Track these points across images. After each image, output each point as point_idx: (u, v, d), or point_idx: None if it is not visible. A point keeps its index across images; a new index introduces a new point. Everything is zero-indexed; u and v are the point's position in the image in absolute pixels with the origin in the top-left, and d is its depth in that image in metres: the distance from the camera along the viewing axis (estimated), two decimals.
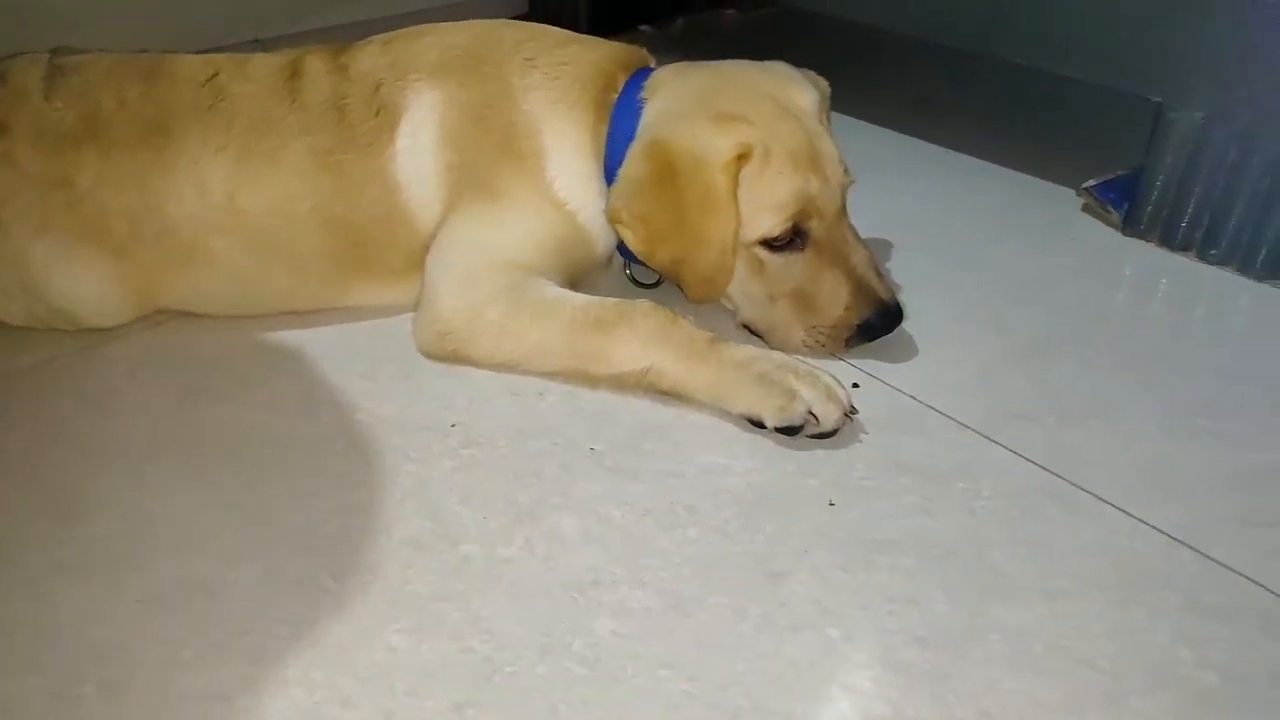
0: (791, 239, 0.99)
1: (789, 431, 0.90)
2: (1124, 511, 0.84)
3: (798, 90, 1.03)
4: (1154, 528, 0.82)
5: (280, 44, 1.14)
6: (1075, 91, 1.28)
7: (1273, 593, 0.76)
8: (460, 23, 1.13)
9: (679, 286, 1.05)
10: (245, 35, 1.74)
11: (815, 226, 0.99)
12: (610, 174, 1.03)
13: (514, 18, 2.10)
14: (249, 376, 1.02)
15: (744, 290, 1.03)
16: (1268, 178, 1.12)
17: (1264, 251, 1.16)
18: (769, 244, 0.99)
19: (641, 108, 1.03)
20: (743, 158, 0.95)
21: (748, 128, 0.96)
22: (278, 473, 0.89)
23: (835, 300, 1.00)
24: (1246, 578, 0.77)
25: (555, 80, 1.06)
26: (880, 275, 1.02)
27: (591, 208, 1.06)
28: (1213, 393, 0.99)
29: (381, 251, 1.08)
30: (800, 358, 0.96)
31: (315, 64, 1.09)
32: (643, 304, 0.98)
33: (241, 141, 1.04)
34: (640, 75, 1.07)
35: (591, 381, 0.99)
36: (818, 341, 1.02)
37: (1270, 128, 1.10)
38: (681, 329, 0.96)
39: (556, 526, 0.83)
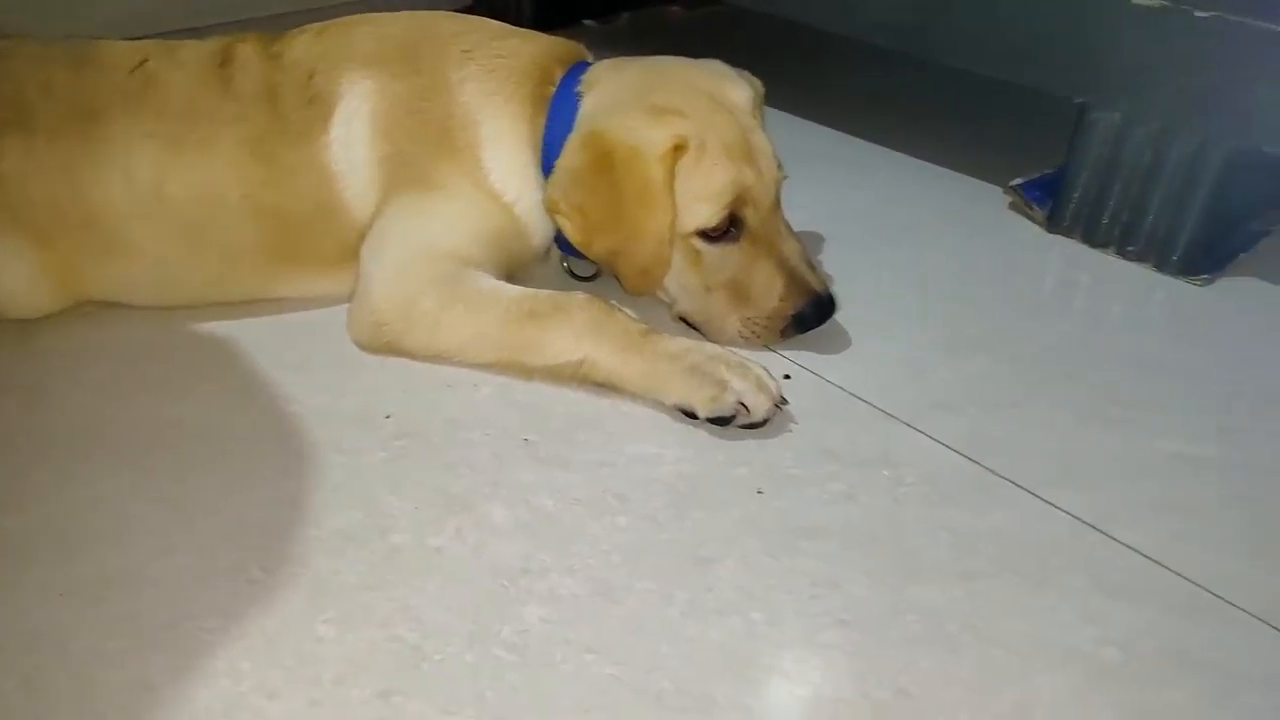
0: (727, 230, 1.01)
1: (720, 422, 0.92)
2: (1038, 496, 0.87)
3: (731, 86, 1.05)
4: (1066, 512, 0.86)
5: (215, 33, 1.13)
6: (1005, 93, 1.31)
7: (1173, 572, 0.80)
8: (397, 13, 1.13)
9: (616, 278, 1.06)
10: (179, 24, 1.71)
11: (750, 217, 1.01)
12: (548, 166, 1.04)
13: (457, 10, 2.11)
14: (180, 368, 1.01)
15: (680, 282, 1.05)
16: (1180, 177, 1.17)
17: (1178, 248, 1.21)
18: (705, 235, 1.00)
19: (579, 101, 1.04)
20: (678, 149, 0.97)
21: (683, 121, 0.98)
22: (208, 464, 0.88)
23: (770, 291, 1.02)
24: (1149, 559, 0.81)
25: (492, 73, 1.07)
26: (813, 267, 1.05)
27: (528, 199, 1.07)
28: (1126, 383, 1.03)
29: (315, 242, 1.07)
30: (733, 349, 0.98)
31: (247, 52, 1.08)
32: (578, 296, 0.99)
33: (171, 129, 1.03)
34: (577, 70, 1.08)
35: (526, 373, 0.99)
36: (753, 332, 1.04)
37: (1183, 130, 1.15)
38: (616, 321, 0.98)
39: (487, 516, 0.83)
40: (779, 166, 1.03)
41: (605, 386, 0.97)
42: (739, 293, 1.02)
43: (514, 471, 0.88)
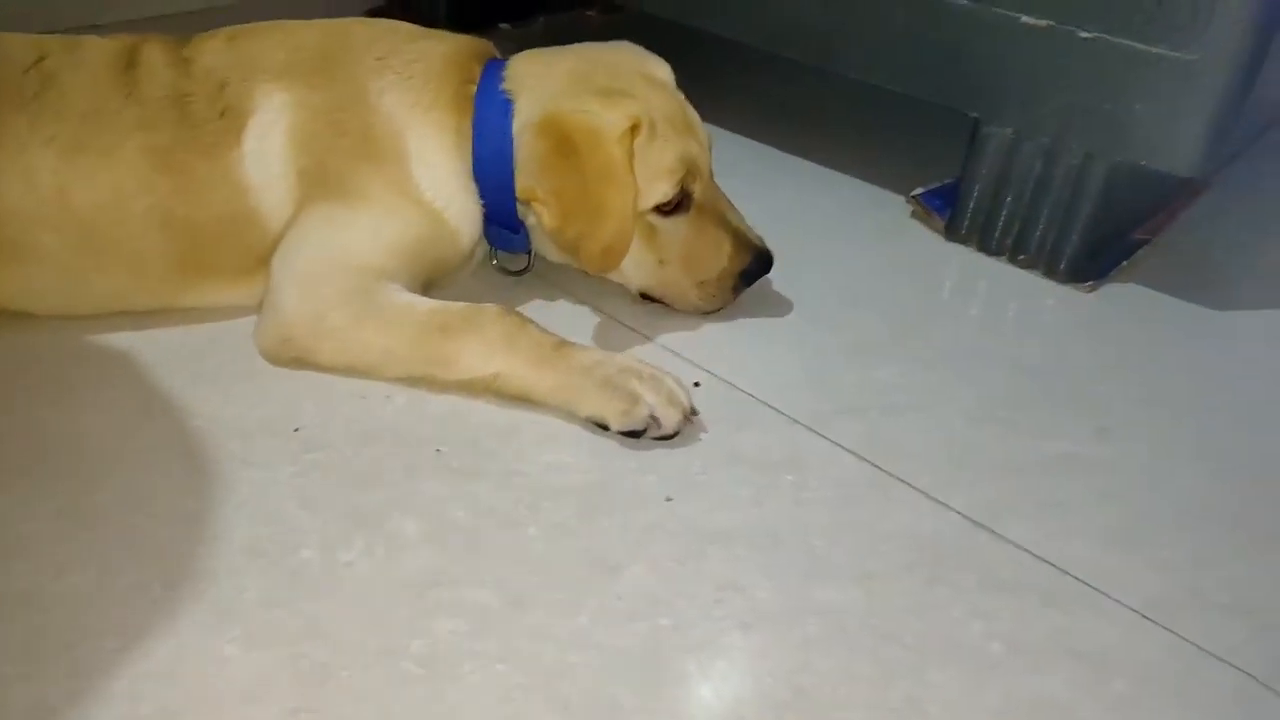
0: (679, 202, 1.06)
1: (633, 435, 0.94)
2: (932, 497, 0.92)
3: (655, 65, 1.13)
4: (958, 511, 0.90)
5: (119, 30, 1.10)
6: (910, 104, 1.36)
7: (1054, 566, 0.85)
8: (309, 21, 1.12)
9: (576, 261, 1.08)
10: (82, 20, 1.65)
11: (696, 188, 1.08)
12: (480, 168, 1.06)
13: (370, 12, 2.08)
14: (83, 379, 0.99)
15: (635, 259, 1.08)
16: (1067, 190, 1.24)
17: (1066, 256, 1.28)
18: (660, 209, 1.06)
19: (508, 97, 1.06)
20: (635, 129, 1.01)
21: (632, 101, 1.03)
22: (110, 479, 0.87)
23: (719, 253, 1.09)
24: (1033, 554, 0.86)
25: (410, 80, 1.07)
26: (749, 226, 1.12)
27: (458, 205, 1.07)
28: (1016, 386, 1.08)
29: (226, 253, 1.05)
30: (643, 360, 0.99)
31: (154, 54, 1.05)
32: (490, 309, 1.00)
33: (72, 133, 1.00)
34: (494, 66, 1.10)
35: (439, 387, 1.00)
36: (710, 295, 1.11)
37: (1069, 145, 1.21)
38: (529, 334, 0.99)
39: (398, 529, 0.84)
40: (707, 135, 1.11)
41: (518, 400, 0.98)
42: (692, 260, 1.09)
43: (425, 483, 0.89)
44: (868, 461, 0.95)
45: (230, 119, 1.02)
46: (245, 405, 0.96)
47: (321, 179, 1.03)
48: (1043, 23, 1.16)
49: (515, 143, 1.04)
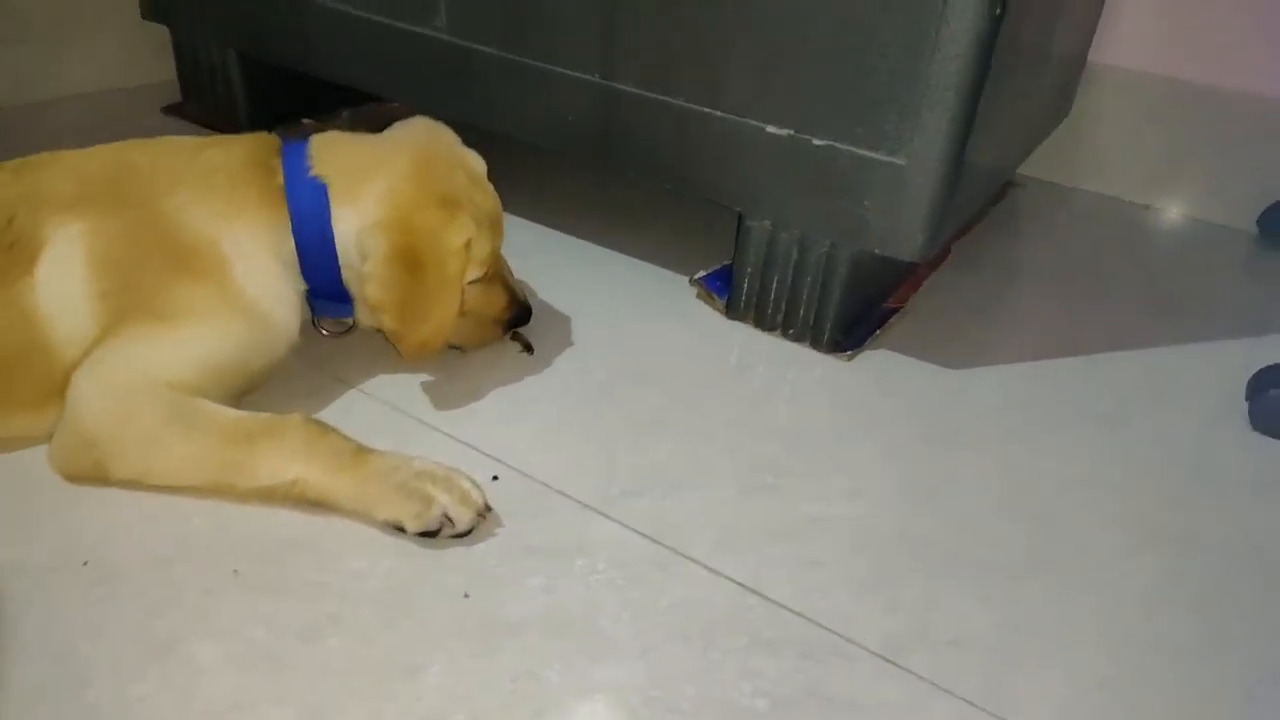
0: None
1: (428, 534, 1.00)
2: (707, 567, 1.02)
3: (468, 154, 1.25)
4: (729, 579, 1.01)
5: None
6: (691, 196, 1.50)
7: (811, 621, 0.97)
8: (88, 150, 1.13)
9: (394, 345, 1.19)
10: None
11: (493, 265, 1.23)
12: (304, 252, 1.13)
13: (167, 109, 2.06)
14: None
15: None
16: (821, 273, 1.40)
17: (826, 330, 1.44)
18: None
19: (319, 180, 1.12)
20: (470, 244, 1.14)
21: (465, 216, 1.14)
22: None
23: (499, 306, 1.29)
24: (794, 612, 0.97)
25: (211, 193, 1.10)
26: (518, 283, 1.34)
27: (284, 300, 1.13)
28: (780, 453, 1.21)
29: (11, 385, 1.04)
30: (439, 462, 1.05)
31: None
32: (293, 418, 1.04)
33: None
34: (292, 153, 1.15)
35: (240, 495, 1.02)
36: (492, 335, 1.31)
37: (815, 235, 1.37)
38: (329, 442, 1.03)
39: (194, 655, 0.85)
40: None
41: (319, 505, 1.02)
42: (481, 313, 1.27)
43: (223, 605, 0.91)
44: (649, 539, 1.05)
45: (19, 251, 1.01)
46: (28, 543, 0.95)
47: (129, 302, 1.04)
48: (784, 132, 1.32)
49: (352, 239, 1.13)
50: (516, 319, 1.31)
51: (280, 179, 1.13)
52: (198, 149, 1.15)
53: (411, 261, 1.11)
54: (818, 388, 1.39)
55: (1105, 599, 1.04)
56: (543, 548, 1.02)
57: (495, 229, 1.22)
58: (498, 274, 1.27)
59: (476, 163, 1.25)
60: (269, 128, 2.00)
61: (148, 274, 1.05)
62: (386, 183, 1.13)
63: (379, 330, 1.22)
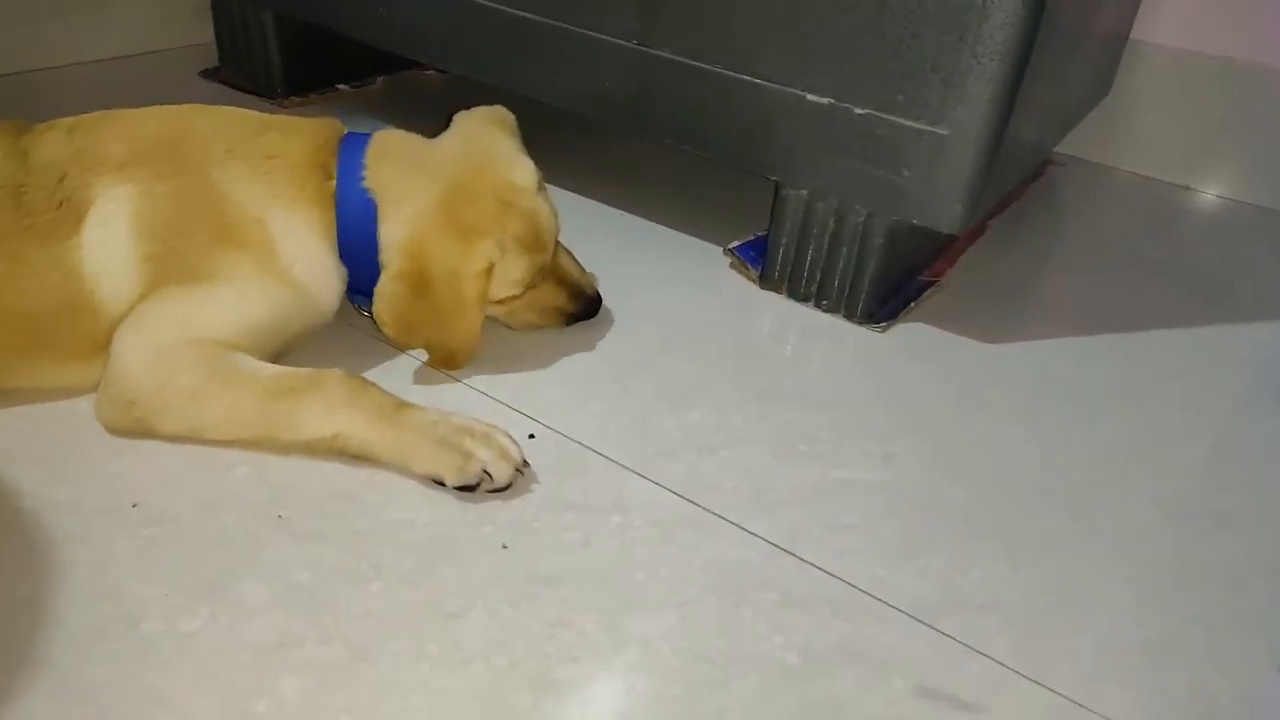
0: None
1: (467, 489, 1.02)
2: (740, 527, 1.03)
3: (511, 169, 1.19)
4: (762, 538, 1.02)
5: None
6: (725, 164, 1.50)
7: (843, 581, 0.98)
8: (146, 110, 1.14)
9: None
10: None
11: (541, 273, 1.23)
12: (345, 251, 1.15)
13: (204, 73, 2.08)
14: None
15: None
16: (856, 243, 1.40)
17: (861, 301, 1.44)
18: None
19: (370, 195, 1.14)
20: (489, 270, 1.14)
21: (486, 243, 1.13)
22: None
23: (556, 301, 1.29)
24: (824, 571, 0.99)
25: (266, 175, 1.12)
26: (583, 272, 1.31)
27: (330, 289, 1.17)
28: (812, 421, 1.22)
29: (59, 337, 1.06)
30: (479, 419, 1.07)
31: None
32: (334, 372, 1.05)
33: None
34: (350, 153, 1.16)
35: (282, 448, 1.04)
36: (546, 323, 1.31)
37: (853, 204, 1.37)
38: (370, 395, 1.05)
39: (242, 595, 0.88)
40: (556, 216, 1.24)
41: (359, 458, 1.04)
42: (529, 310, 1.27)
43: (269, 549, 0.93)
44: (684, 498, 1.06)
45: (68, 209, 1.04)
46: (78, 485, 0.98)
47: (172, 264, 1.06)
48: (824, 101, 1.32)
49: (381, 253, 1.15)
50: (581, 313, 1.30)
51: (333, 185, 1.14)
52: (259, 129, 1.16)
53: (418, 284, 1.13)
54: (851, 358, 1.39)
55: (1136, 570, 1.05)
56: (579, 504, 1.04)
57: (536, 246, 1.17)
58: (552, 274, 1.25)
59: (526, 175, 1.18)
60: (305, 94, 2.03)
61: (193, 240, 1.07)
62: (416, 207, 1.14)
63: None
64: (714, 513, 1.05)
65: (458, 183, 1.16)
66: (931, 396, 1.31)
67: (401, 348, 1.24)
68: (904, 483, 1.13)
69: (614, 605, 0.92)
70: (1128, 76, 2.12)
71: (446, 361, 1.21)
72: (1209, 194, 2.18)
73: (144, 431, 1.03)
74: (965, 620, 0.95)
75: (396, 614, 0.88)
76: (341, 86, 2.10)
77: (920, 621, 0.94)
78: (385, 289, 1.13)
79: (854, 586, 0.97)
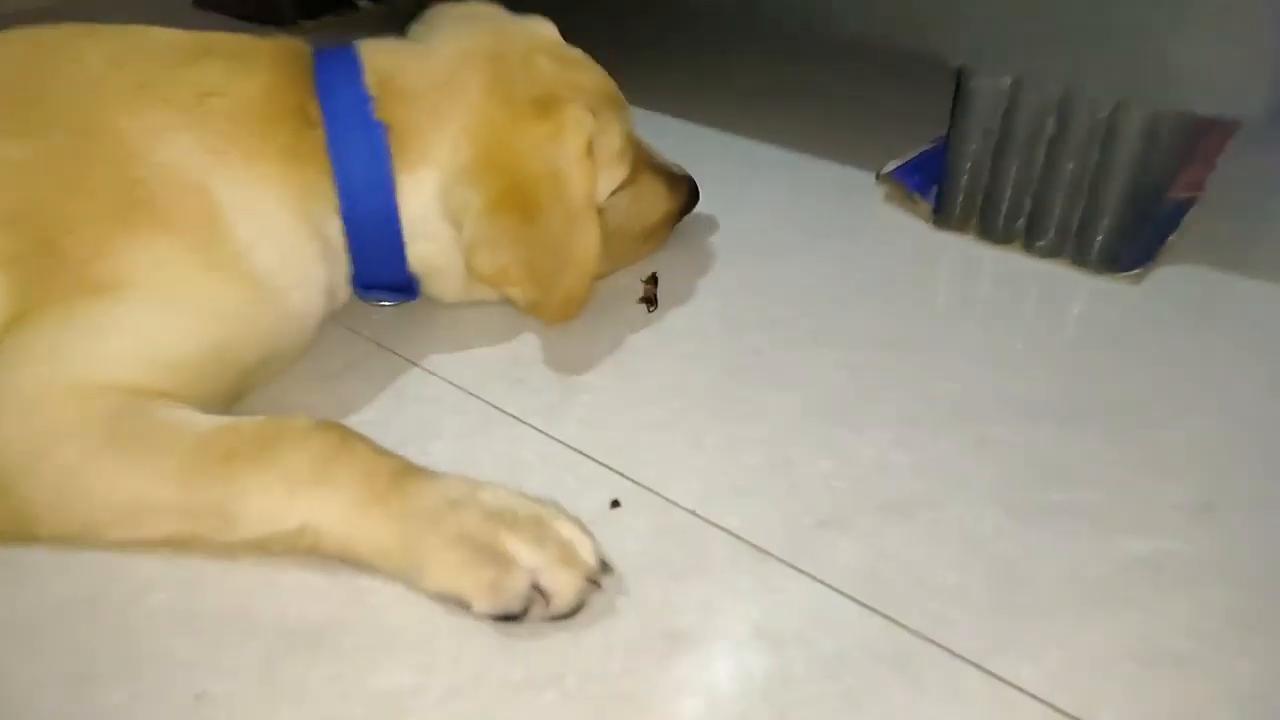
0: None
1: (508, 619, 0.61)
2: (993, 675, 0.59)
3: (539, 26, 0.89)
4: (1035, 697, 0.58)
5: None
6: (851, 58, 1.03)
7: None
8: (2, 33, 0.76)
9: (523, 309, 0.86)
10: None
11: (631, 155, 0.89)
12: (356, 235, 0.79)
13: (198, 0, 1.70)
14: None
15: None
16: (1094, 151, 0.92)
17: (1098, 238, 0.96)
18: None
19: (382, 140, 0.78)
20: (589, 145, 0.80)
21: (574, 108, 0.80)
22: None
23: (658, 200, 0.96)
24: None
25: (203, 121, 0.73)
26: (664, 157, 0.98)
27: (311, 284, 0.78)
28: (1062, 447, 0.77)
29: None
30: (527, 494, 0.66)
31: None
32: (299, 424, 0.67)
33: None
34: (336, 84, 0.78)
35: (225, 551, 0.66)
36: (657, 239, 1.00)
37: (1093, 91, 0.88)
38: (354, 459, 0.65)
39: None
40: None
41: (340, 560, 0.65)
42: (635, 217, 0.94)
43: None
44: (871, 609, 0.63)
45: None
46: None
47: (51, 269, 0.68)
48: None
49: (433, 209, 0.80)
50: (686, 208, 1.01)
51: (320, 134, 0.77)
52: (191, 55, 0.77)
53: (525, 203, 0.77)
54: (1092, 327, 0.92)
55: None
56: (696, 638, 0.62)
57: (615, 104, 0.88)
58: (640, 161, 0.92)
59: (548, 29, 0.89)
60: (317, 16, 1.64)
61: (81, 227, 0.69)
62: (461, 114, 0.78)
63: (462, 300, 0.90)
64: (928, 639, 0.61)
65: (494, 54, 0.81)
66: (1234, 378, 0.83)
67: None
68: (1234, 558, 0.67)
69: None
70: None
71: (563, 309, 0.84)
72: None
73: (15, 533, 0.66)
74: None
75: None
76: (362, 4, 1.68)
77: None
78: (486, 235, 0.77)
79: None
